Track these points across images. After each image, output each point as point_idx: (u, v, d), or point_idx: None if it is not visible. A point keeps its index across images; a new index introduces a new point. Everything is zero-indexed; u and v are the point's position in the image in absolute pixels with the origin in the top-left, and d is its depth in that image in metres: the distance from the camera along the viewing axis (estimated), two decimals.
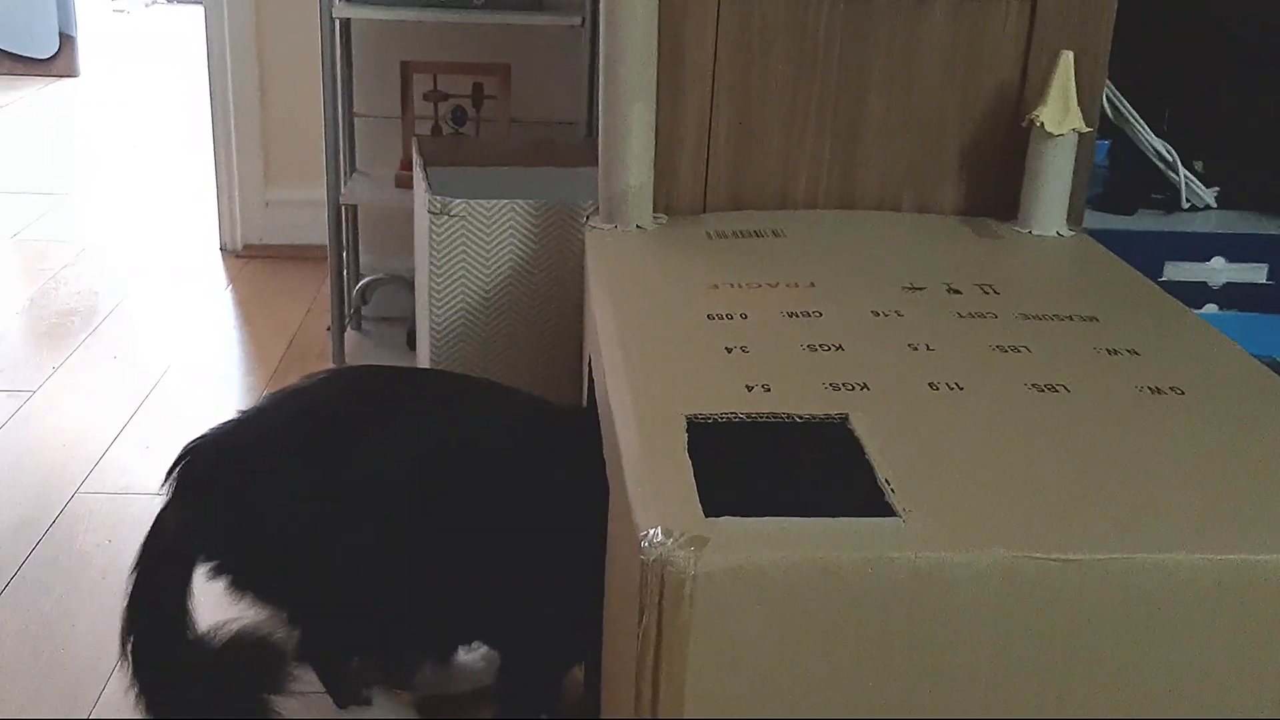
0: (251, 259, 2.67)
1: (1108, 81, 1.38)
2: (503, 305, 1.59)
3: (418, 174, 1.72)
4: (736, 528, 0.73)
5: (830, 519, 0.74)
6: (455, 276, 1.57)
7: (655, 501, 0.75)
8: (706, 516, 0.73)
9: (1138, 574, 0.72)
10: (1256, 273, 1.46)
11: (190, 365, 2.17)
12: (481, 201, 1.55)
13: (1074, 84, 1.25)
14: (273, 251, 2.67)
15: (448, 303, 1.58)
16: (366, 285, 2.26)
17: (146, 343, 2.27)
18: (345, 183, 2.10)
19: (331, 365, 2.11)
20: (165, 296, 2.51)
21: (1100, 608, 0.72)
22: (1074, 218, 1.32)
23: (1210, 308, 1.46)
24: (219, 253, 2.71)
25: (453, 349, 1.60)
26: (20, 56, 4.45)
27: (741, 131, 1.34)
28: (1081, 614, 0.72)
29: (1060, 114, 1.25)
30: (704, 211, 1.35)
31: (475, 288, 1.58)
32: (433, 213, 1.55)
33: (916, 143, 1.34)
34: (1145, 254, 1.33)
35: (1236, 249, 1.46)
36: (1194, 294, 1.44)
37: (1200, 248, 1.47)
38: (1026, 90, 1.31)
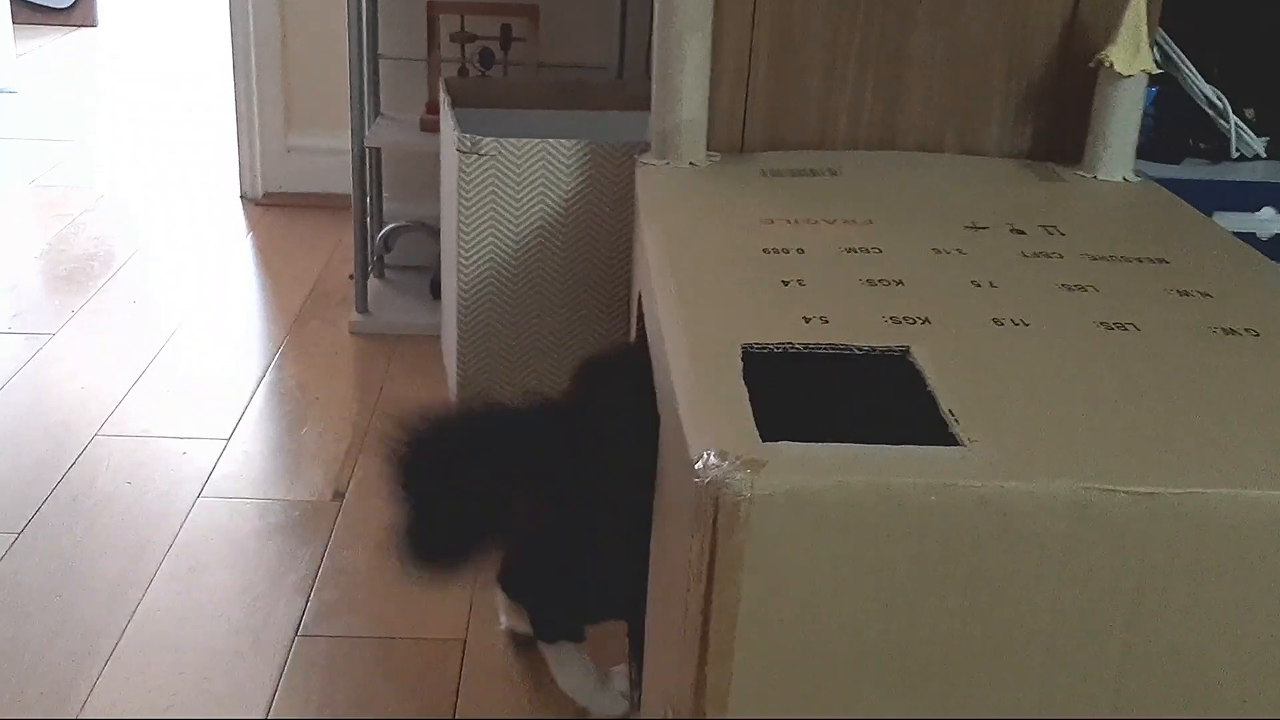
0: (271, 206, 2.64)
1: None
2: (533, 247, 1.56)
3: (445, 114, 1.68)
4: (794, 452, 0.70)
5: (892, 446, 0.71)
6: (484, 218, 1.54)
7: (710, 426, 0.72)
8: (763, 442, 0.70)
9: (1212, 509, 0.69)
10: None
11: (209, 312, 2.15)
12: (513, 140, 1.51)
13: (1145, 23, 1.21)
14: (293, 199, 2.63)
15: (477, 245, 1.55)
16: (389, 232, 2.23)
17: (165, 289, 2.25)
18: (369, 126, 2.06)
19: (354, 313, 2.07)
20: (184, 243, 2.48)
21: (1172, 543, 0.69)
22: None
23: None
24: (239, 200, 2.68)
25: (481, 292, 1.57)
26: (39, 6, 4.42)
27: (781, 67, 1.30)
28: (1152, 549, 0.69)
29: (1130, 55, 1.21)
30: (741, 150, 1.32)
31: (505, 229, 1.55)
32: (462, 152, 1.52)
33: (962, 81, 1.30)
34: (1192, 204, 1.29)
35: None
36: None
37: (1249, 198, 1.43)
38: (1076, 27, 1.27)
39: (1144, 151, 1.45)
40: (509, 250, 1.56)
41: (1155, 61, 1.25)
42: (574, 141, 1.51)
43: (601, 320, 1.57)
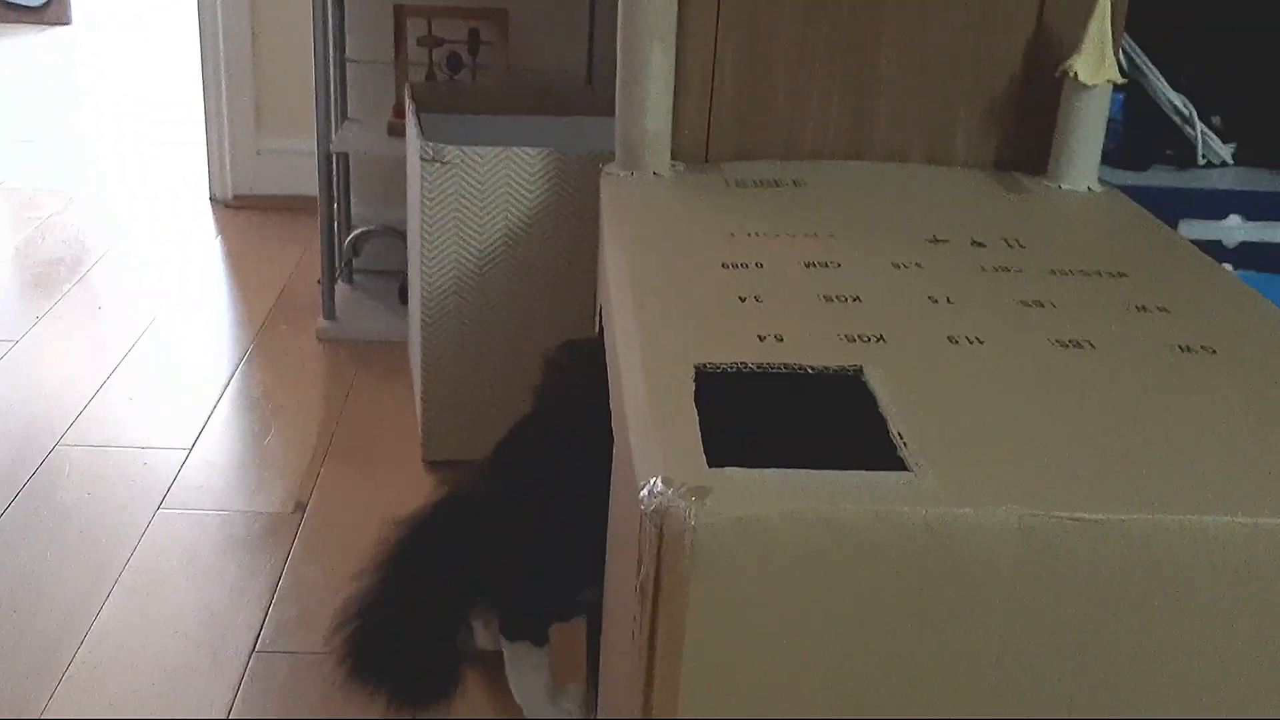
0: (242, 209, 2.62)
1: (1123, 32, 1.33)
2: (498, 257, 1.54)
3: (410, 120, 1.67)
4: (740, 479, 0.69)
5: (838, 472, 0.70)
6: (448, 227, 1.53)
7: (657, 451, 0.71)
8: (710, 467, 0.69)
9: (1161, 536, 0.68)
10: (1274, 231, 1.42)
11: (177, 316, 2.13)
12: (476, 148, 1.50)
13: (1110, 31, 1.20)
14: (263, 202, 2.61)
15: (440, 254, 1.54)
16: (358, 237, 2.21)
17: (133, 293, 2.22)
18: (336, 130, 2.05)
19: (321, 319, 2.06)
20: (153, 247, 2.46)
21: (1121, 571, 0.68)
22: None
23: (1225, 268, 1.42)
24: (209, 203, 2.66)
25: (445, 301, 1.56)
26: (12, 4, 4.39)
27: (747, 77, 1.29)
28: (1101, 577, 0.68)
29: (1095, 64, 1.21)
30: (706, 160, 1.31)
31: (469, 238, 1.53)
32: (425, 160, 1.50)
33: (928, 91, 1.30)
34: (1159, 211, 1.28)
35: (1253, 207, 1.41)
36: (1209, 254, 1.40)
37: (1216, 205, 1.42)
38: (1041, 37, 1.27)
39: (1111, 158, 1.45)
40: (474, 259, 1.54)
41: (1121, 70, 1.25)
42: (539, 150, 1.50)
43: (566, 328, 1.56)
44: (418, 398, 1.69)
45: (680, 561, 0.67)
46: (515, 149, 1.50)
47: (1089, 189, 1.25)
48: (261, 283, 2.27)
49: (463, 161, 1.50)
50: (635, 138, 1.25)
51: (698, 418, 0.75)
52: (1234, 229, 1.42)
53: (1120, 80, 1.23)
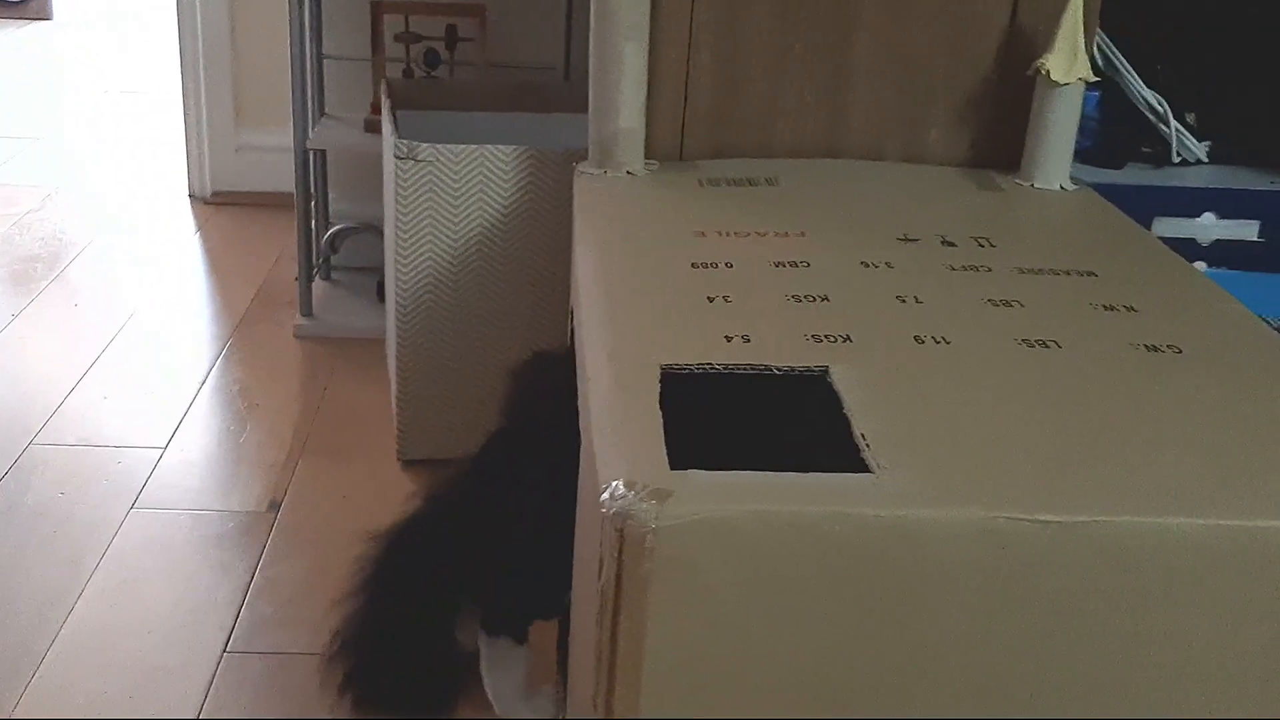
0: (221, 206, 2.61)
1: (1098, 29, 1.34)
2: (473, 255, 1.54)
3: (386, 117, 1.66)
4: (702, 481, 0.68)
5: (800, 474, 0.70)
6: (423, 225, 1.52)
7: (620, 453, 0.71)
8: (673, 469, 0.69)
9: (1123, 538, 0.68)
10: (1247, 229, 1.42)
11: (154, 314, 2.12)
12: (451, 146, 1.50)
13: (1082, 29, 1.20)
14: (242, 198, 2.60)
15: (415, 252, 1.53)
16: (336, 233, 2.20)
17: (110, 290, 2.22)
18: (314, 127, 2.04)
19: (299, 315, 2.05)
20: (132, 243, 2.45)
21: (1083, 573, 0.68)
22: None
23: (1199, 265, 1.42)
24: (188, 199, 2.65)
25: (420, 300, 1.55)
26: None
27: (721, 74, 1.29)
28: (1064, 579, 0.68)
29: (1068, 62, 1.21)
30: (680, 158, 1.31)
31: (444, 236, 1.53)
32: (399, 157, 1.50)
33: (903, 89, 1.29)
34: (1134, 209, 1.28)
35: (1227, 205, 1.42)
36: (1183, 251, 1.39)
37: (1190, 203, 1.43)
38: (1015, 34, 1.27)
39: (1088, 156, 1.45)
40: (448, 257, 1.54)
41: (1096, 68, 1.25)
42: (513, 148, 1.50)
43: (541, 327, 1.56)
44: (393, 396, 1.68)
45: (641, 564, 0.67)
46: (490, 146, 1.49)
47: (1061, 187, 1.25)
48: (239, 279, 2.26)
49: (437, 159, 1.49)
50: (608, 136, 1.24)
51: (662, 419, 0.75)
52: (1208, 227, 1.42)
53: (1093, 78, 1.23)
